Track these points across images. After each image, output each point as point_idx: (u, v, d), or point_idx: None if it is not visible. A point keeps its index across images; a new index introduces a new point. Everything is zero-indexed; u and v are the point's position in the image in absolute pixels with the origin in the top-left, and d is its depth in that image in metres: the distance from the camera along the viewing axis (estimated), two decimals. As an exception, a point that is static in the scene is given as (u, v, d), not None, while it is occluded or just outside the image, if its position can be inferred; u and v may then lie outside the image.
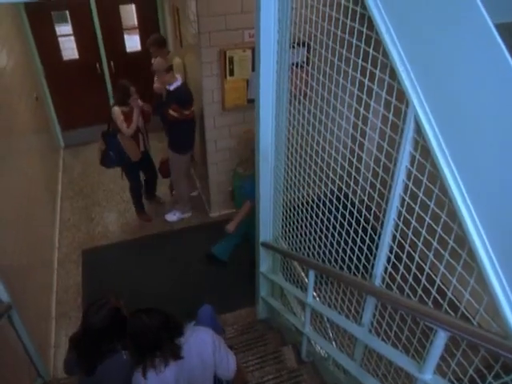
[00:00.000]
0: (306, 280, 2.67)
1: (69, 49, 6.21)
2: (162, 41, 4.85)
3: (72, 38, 6.04)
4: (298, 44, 2.19)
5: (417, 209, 1.52)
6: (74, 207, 5.33)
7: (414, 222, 1.56)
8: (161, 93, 4.40)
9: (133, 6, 6.21)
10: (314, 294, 2.54)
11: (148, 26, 6.20)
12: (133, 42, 6.50)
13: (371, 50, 1.58)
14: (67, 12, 5.90)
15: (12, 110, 4.01)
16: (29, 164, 4.27)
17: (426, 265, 1.54)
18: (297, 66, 2.34)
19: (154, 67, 4.20)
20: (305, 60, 2.31)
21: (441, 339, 1.44)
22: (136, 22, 6.35)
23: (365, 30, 1.59)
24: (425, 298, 1.56)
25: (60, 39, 6.01)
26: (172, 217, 4.99)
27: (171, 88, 4.15)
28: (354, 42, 1.67)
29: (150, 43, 4.75)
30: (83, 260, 4.48)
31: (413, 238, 1.59)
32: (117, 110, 4.19)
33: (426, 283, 1.56)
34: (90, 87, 6.31)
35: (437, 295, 1.51)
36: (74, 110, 6.38)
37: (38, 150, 4.99)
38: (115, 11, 6.02)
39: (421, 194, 1.48)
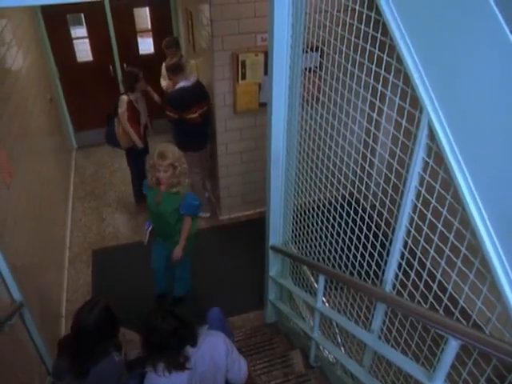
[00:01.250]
0: (316, 285, 2.66)
1: (83, 51, 6.28)
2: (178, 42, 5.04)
3: (86, 40, 6.11)
4: (311, 49, 2.19)
5: (429, 215, 1.51)
6: (86, 208, 5.38)
7: (425, 228, 1.55)
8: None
9: (147, 10, 6.27)
10: (324, 299, 2.53)
11: (161, 30, 6.25)
12: (146, 45, 6.55)
13: (385, 56, 1.58)
14: (82, 15, 5.97)
15: (27, 110, 4.07)
16: (42, 164, 4.33)
17: (437, 272, 1.53)
18: (309, 71, 2.35)
19: (166, 65, 4.30)
20: (318, 65, 2.32)
21: (452, 347, 1.43)
22: (149, 26, 6.40)
23: (379, 36, 1.59)
24: (436, 305, 1.55)
25: (75, 41, 6.08)
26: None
27: (175, 88, 4.26)
28: (368, 47, 1.67)
29: (170, 44, 4.84)
30: (93, 260, 4.52)
31: (424, 244, 1.58)
32: (123, 99, 4.44)
33: (437, 290, 1.54)
34: (102, 89, 6.36)
35: (448, 303, 1.50)
36: (86, 112, 6.44)
37: (52, 151, 5.05)
38: (129, 14, 6.08)
39: (433, 201, 1.48)
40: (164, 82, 5.20)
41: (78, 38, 6.17)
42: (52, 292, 3.80)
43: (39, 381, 2.91)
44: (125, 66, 6.27)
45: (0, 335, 2.38)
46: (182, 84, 4.19)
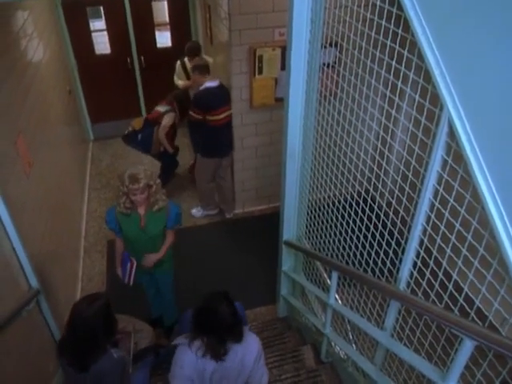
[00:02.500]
0: (329, 281, 2.66)
1: (101, 43, 6.33)
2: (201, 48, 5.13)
3: (105, 33, 6.16)
4: (330, 44, 2.18)
5: (446, 214, 1.50)
6: (102, 199, 5.44)
7: (442, 227, 1.54)
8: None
9: (165, 3, 6.29)
10: (336, 295, 2.53)
11: (179, 23, 6.27)
12: (163, 39, 6.58)
13: (406, 52, 1.56)
14: (101, 8, 6.01)
15: (47, 102, 4.13)
16: (60, 155, 4.39)
17: (453, 272, 1.52)
18: (328, 67, 2.33)
19: (195, 64, 4.30)
20: (336, 60, 2.30)
21: (467, 348, 1.42)
22: (167, 19, 6.42)
23: (400, 32, 1.58)
24: (451, 305, 1.54)
25: (93, 34, 6.14)
26: (196, 213, 5.04)
27: (199, 89, 4.20)
28: (389, 43, 1.66)
29: (194, 50, 4.88)
30: (108, 250, 4.57)
31: (441, 243, 1.57)
32: (171, 116, 4.61)
33: (453, 290, 1.53)
34: (120, 82, 6.42)
35: (464, 303, 1.49)
36: (104, 104, 6.51)
37: (69, 142, 5.12)
38: (147, 7, 6.11)
39: (451, 200, 1.46)
40: (180, 81, 5.19)
41: (96, 31, 6.23)
42: (67, 280, 3.87)
43: (53, 365, 2.97)
44: (142, 58, 6.31)
45: (18, 320, 2.44)
46: (208, 84, 4.14)
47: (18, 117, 3.05)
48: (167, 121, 4.59)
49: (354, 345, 2.57)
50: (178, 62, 5.19)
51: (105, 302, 2.07)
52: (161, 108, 4.66)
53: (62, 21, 5.76)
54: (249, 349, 2.08)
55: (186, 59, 5.09)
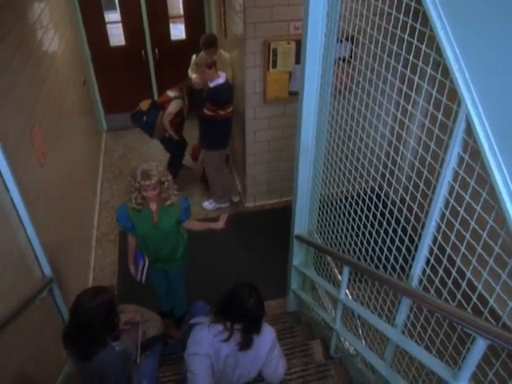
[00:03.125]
0: (339, 276, 2.66)
1: (116, 35, 6.35)
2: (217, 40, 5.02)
3: (119, 24, 6.17)
4: (346, 38, 2.16)
5: (461, 212, 1.48)
6: (114, 189, 5.49)
7: (457, 225, 1.52)
8: (201, 88, 4.39)
9: (179, -5, 6.29)
10: (347, 291, 2.52)
11: (193, 16, 6.26)
12: (177, 31, 6.58)
13: (424, 47, 1.54)
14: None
15: (61, 92, 4.16)
16: (74, 145, 4.43)
17: (467, 270, 1.50)
18: (343, 61, 2.31)
19: (196, 61, 4.25)
20: (352, 55, 2.28)
21: (479, 347, 1.41)
22: (182, 11, 6.41)
23: (418, 26, 1.55)
24: (464, 303, 1.53)
25: (108, 26, 6.15)
26: (208, 205, 5.06)
27: (211, 85, 4.15)
28: (406, 37, 1.63)
29: (211, 43, 4.77)
30: (120, 240, 4.61)
31: (455, 241, 1.55)
32: (178, 103, 4.55)
33: (466, 288, 1.52)
34: (134, 73, 6.44)
35: (477, 302, 1.47)
36: (117, 95, 6.53)
37: (83, 132, 5.16)
38: (162, 0, 6.11)
39: (467, 197, 1.45)
40: (194, 75, 5.02)
41: (111, 23, 6.24)
42: (79, 270, 3.91)
43: (65, 353, 3.01)
44: (156, 50, 6.32)
45: (31, 308, 2.48)
46: (221, 80, 4.14)
47: (33, 107, 3.08)
48: (173, 107, 4.56)
49: (363, 340, 2.57)
50: (194, 56, 5.11)
51: (109, 297, 2.07)
52: (170, 93, 4.64)
53: (78, 12, 5.79)
54: (264, 339, 2.13)
55: (202, 53, 5.02)
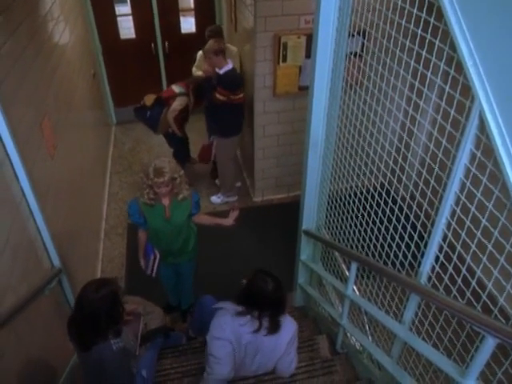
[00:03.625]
0: (347, 272, 2.65)
1: (126, 28, 6.34)
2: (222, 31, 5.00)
3: (130, 17, 6.17)
4: (358, 33, 2.14)
5: (473, 209, 1.47)
6: (123, 182, 5.51)
7: (468, 222, 1.51)
8: (210, 75, 4.39)
9: (190, -12, 6.26)
10: (354, 286, 2.52)
11: (204, 9, 6.23)
12: (188, 24, 6.56)
13: (437, 42, 1.52)
14: (127, -8, 6.03)
15: (72, 84, 4.18)
16: (83, 137, 4.45)
17: (477, 268, 1.49)
18: (355, 56, 2.29)
19: (204, 49, 4.25)
20: (364, 49, 2.26)
21: (488, 345, 1.40)
22: (192, 5, 6.39)
23: (432, 20, 1.53)
24: (474, 301, 1.52)
25: (118, 18, 6.15)
26: (216, 199, 5.06)
27: (221, 72, 4.16)
28: (419, 32, 1.61)
29: (215, 33, 4.75)
30: (128, 233, 4.64)
31: (466, 239, 1.54)
32: (183, 100, 4.51)
33: (476, 286, 1.51)
34: (144, 67, 6.44)
35: (487, 300, 1.46)
36: (127, 88, 6.54)
37: (92, 125, 5.18)
38: (173, -8, 6.10)
39: (478, 194, 1.43)
40: (200, 72, 4.94)
41: (121, 15, 6.24)
42: (88, 261, 3.95)
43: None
44: (166, 44, 6.31)
45: (40, 298, 2.50)
46: (230, 66, 4.15)
47: (43, 99, 3.09)
48: (177, 104, 4.51)
49: (370, 337, 2.56)
50: (200, 52, 4.96)
51: (113, 289, 2.08)
52: (176, 88, 4.59)
53: (89, 5, 5.79)
54: (285, 330, 2.19)
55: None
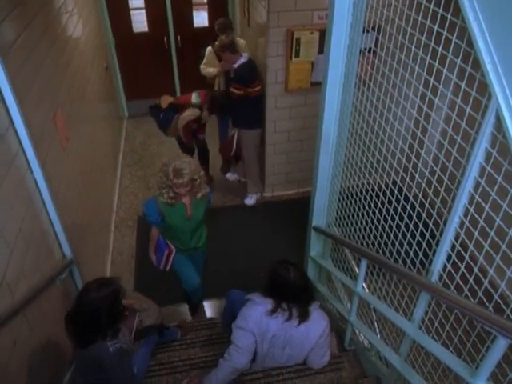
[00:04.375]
0: (356, 269, 2.65)
1: (139, 22, 6.36)
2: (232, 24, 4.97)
3: (143, 11, 6.19)
4: (373, 28, 2.12)
5: (487, 208, 1.45)
6: (133, 175, 5.55)
7: (481, 221, 1.49)
8: (228, 70, 4.38)
9: (203, -18, 6.25)
10: (364, 283, 2.51)
11: (216, 3, 6.24)
12: (200, 19, 6.55)
13: (454, 38, 1.50)
14: (140, -15, 6.04)
15: (85, 77, 4.20)
16: (95, 130, 4.48)
17: (490, 267, 1.48)
18: (369, 51, 2.27)
19: (215, 48, 4.25)
20: (378, 45, 2.24)
21: (500, 346, 1.39)
22: (205, -1, 6.39)
23: (449, 16, 1.51)
24: (486, 301, 1.50)
25: (132, 12, 6.18)
26: (249, 200, 5.00)
27: (235, 66, 4.18)
28: (436, 28, 1.59)
29: (224, 27, 4.74)
30: (138, 226, 4.67)
31: (479, 238, 1.52)
32: (194, 111, 4.41)
33: (488, 286, 1.49)
34: (156, 60, 6.47)
35: (499, 300, 1.45)
36: (139, 82, 6.58)
37: (104, 118, 5.21)
38: (186, -14, 6.10)
39: (493, 194, 1.41)
40: (210, 69, 4.92)
41: (135, 9, 6.25)
42: (98, 253, 3.98)
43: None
44: (179, 38, 6.31)
45: (52, 288, 2.53)
46: (243, 60, 4.16)
47: (57, 91, 3.11)
48: (188, 114, 4.43)
49: (378, 334, 2.56)
50: (209, 48, 4.92)
51: (114, 289, 2.08)
52: (193, 97, 4.47)
53: (102, -2, 5.82)
54: (316, 324, 2.25)
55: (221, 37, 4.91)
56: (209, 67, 4.95)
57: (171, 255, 3.04)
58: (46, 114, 2.78)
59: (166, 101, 4.61)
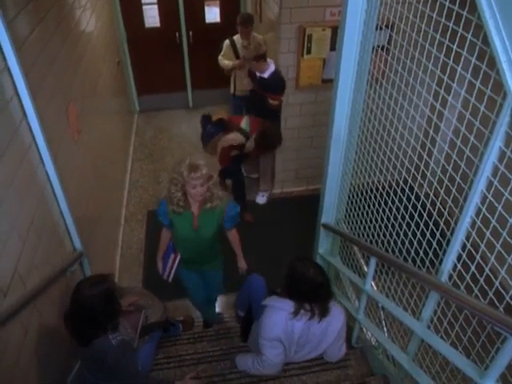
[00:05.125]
0: (365, 267, 2.64)
1: (151, 17, 6.35)
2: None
3: (155, 6, 6.18)
4: (386, 26, 2.10)
5: (499, 208, 1.44)
6: (144, 169, 5.57)
7: (494, 221, 1.48)
8: (254, 89, 4.31)
9: (215, -22, 6.24)
10: (372, 282, 2.50)
11: (229, -1, 6.22)
12: (212, 14, 6.53)
13: (469, 36, 1.48)
14: (153, -19, 6.04)
15: (97, 71, 4.23)
16: (106, 124, 4.50)
17: (502, 268, 1.46)
18: (382, 49, 2.26)
19: (244, 54, 4.20)
20: (391, 42, 2.22)
21: (510, 347, 1.38)
22: (217, -6, 6.37)
23: (464, 14, 1.50)
24: (496, 302, 1.49)
25: (144, 7, 6.18)
26: (261, 198, 4.98)
27: (266, 75, 4.09)
28: (451, 25, 1.58)
29: (249, 20, 4.63)
30: (148, 220, 4.70)
31: (490, 237, 1.51)
32: (232, 139, 4.07)
33: (499, 287, 1.48)
34: (167, 56, 6.47)
35: (510, 301, 1.44)
36: (150, 77, 6.59)
37: (116, 112, 5.24)
38: (198, -18, 6.09)
39: (506, 194, 1.40)
40: (226, 61, 4.84)
41: (147, 4, 6.25)
42: (108, 246, 4.01)
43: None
44: (190, 33, 6.31)
45: (62, 280, 2.56)
46: (273, 68, 4.09)
47: (69, 85, 3.14)
48: (231, 138, 4.07)
49: (386, 332, 2.55)
50: (227, 41, 4.85)
51: (108, 286, 2.06)
52: (244, 122, 4.15)
53: (115, -8, 5.84)
54: (335, 319, 2.25)
55: (235, 37, 4.82)
56: (225, 59, 4.90)
57: (175, 261, 2.87)
58: (58, 107, 2.80)
59: (218, 114, 4.40)
